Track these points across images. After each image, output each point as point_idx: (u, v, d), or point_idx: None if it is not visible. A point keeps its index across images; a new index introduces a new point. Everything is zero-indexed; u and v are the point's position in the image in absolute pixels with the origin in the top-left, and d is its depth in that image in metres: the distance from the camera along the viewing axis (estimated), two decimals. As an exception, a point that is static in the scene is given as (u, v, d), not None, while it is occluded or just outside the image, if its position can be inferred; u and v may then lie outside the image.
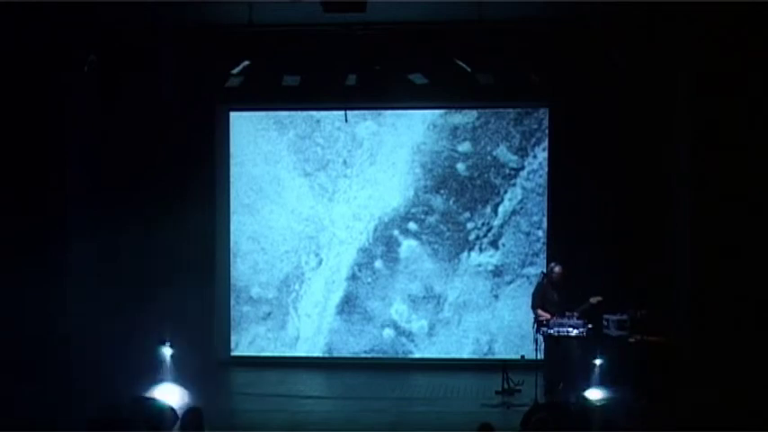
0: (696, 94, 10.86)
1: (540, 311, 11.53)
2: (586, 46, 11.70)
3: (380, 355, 13.78)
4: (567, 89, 12.55)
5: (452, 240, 13.70)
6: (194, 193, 13.10)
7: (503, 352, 13.37)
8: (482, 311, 13.63)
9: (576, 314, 11.26)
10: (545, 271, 11.94)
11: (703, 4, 10.18)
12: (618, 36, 11.28)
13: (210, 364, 13.19)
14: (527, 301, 12.01)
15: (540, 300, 11.64)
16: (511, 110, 13.55)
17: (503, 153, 13.59)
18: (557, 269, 11.66)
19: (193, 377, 11.52)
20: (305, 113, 13.82)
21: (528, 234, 13.57)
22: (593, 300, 11.37)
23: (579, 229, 12.46)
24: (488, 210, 13.64)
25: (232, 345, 13.99)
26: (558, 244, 12.96)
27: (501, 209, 13.60)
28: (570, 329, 11.15)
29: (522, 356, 12.03)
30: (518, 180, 13.57)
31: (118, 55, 11.77)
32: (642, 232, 12.19)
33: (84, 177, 12.12)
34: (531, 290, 12.04)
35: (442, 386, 12.55)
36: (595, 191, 12.46)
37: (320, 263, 13.91)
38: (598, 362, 10.86)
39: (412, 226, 13.75)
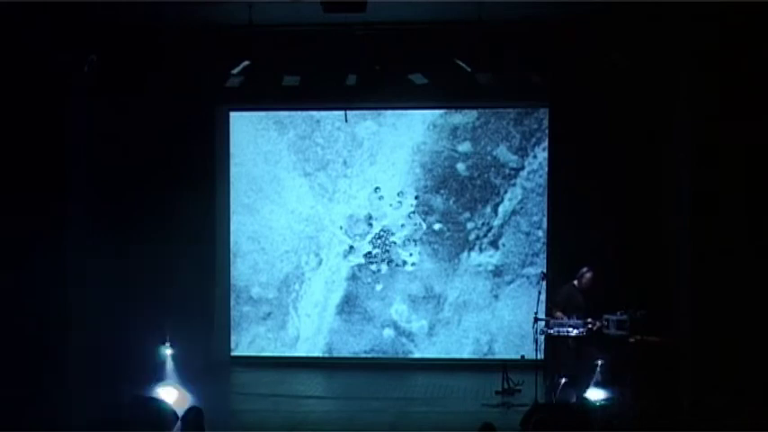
0: (696, 94, 10.85)
1: (559, 313, 11.29)
2: (586, 46, 11.68)
3: (380, 355, 13.79)
4: (567, 89, 12.54)
5: (452, 240, 13.70)
6: (194, 193, 13.09)
7: (503, 352, 13.37)
8: (482, 311, 13.63)
9: (610, 320, 11.01)
10: (545, 271, 11.94)
11: (703, 5, 10.17)
12: (618, 36, 11.28)
13: (210, 364, 13.18)
14: (527, 300, 12.01)
15: (563, 301, 11.43)
16: (511, 110, 13.55)
17: (503, 153, 13.59)
18: (588, 274, 11.44)
19: (193, 377, 11.52)
20: (305, 113, 13.82)
21: (528, 234, 13.57)
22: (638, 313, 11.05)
23: (579, 229, 12.44)
24: (488, 210, 13.64)
25: (232, 345, 14.00)
26: (557, 244, 12.96)
27: (501, 209, 13.60)
28: (570, 329, 11.13)
29: (522, 356, 12.02)
30: (518, 180, 13.57)
31: (118, 55, 11.77)
32: (642, 232, 12.19)
33: (84, 177, 12.11)
34: (533, 290, 11.94)
35: (442, 386, 12.55)
36: (595, 191, 12.45)
37: (320, 263, 13.91)
38: (598, 362, 10.86)
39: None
